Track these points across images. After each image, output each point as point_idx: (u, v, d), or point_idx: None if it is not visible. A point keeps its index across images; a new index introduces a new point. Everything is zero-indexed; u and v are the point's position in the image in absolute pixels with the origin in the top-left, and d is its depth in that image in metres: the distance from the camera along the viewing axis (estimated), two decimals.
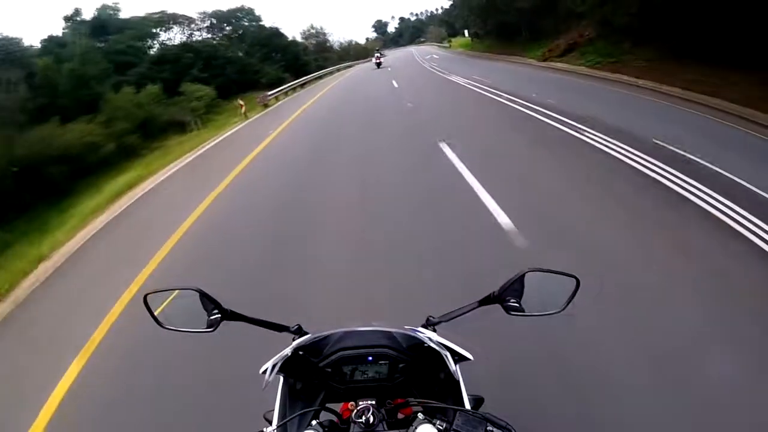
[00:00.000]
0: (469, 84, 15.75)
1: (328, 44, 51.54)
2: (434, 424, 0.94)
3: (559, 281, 1.10)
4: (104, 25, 30.51)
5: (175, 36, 38.54)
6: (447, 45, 50.92)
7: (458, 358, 1.09)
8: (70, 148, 15.28)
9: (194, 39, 33.74)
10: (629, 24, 16.41)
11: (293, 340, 1.13)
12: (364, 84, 21.85)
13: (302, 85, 25.53)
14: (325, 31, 51.12)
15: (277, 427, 1.05)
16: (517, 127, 8.31)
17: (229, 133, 15.15)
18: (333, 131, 10.90)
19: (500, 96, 11.79)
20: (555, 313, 1.11)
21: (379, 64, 32.37)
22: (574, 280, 1.08)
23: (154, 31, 38.19)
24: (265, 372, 1.05)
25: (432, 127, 8.93)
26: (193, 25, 41.16)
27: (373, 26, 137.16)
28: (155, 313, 1.15)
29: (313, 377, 1.14)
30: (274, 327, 1.18)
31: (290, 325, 1.20)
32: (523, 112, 9.44)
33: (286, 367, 1.10)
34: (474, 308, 1.15)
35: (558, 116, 8.44)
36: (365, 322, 1.15)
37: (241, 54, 32.35)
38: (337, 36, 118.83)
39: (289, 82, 26.70)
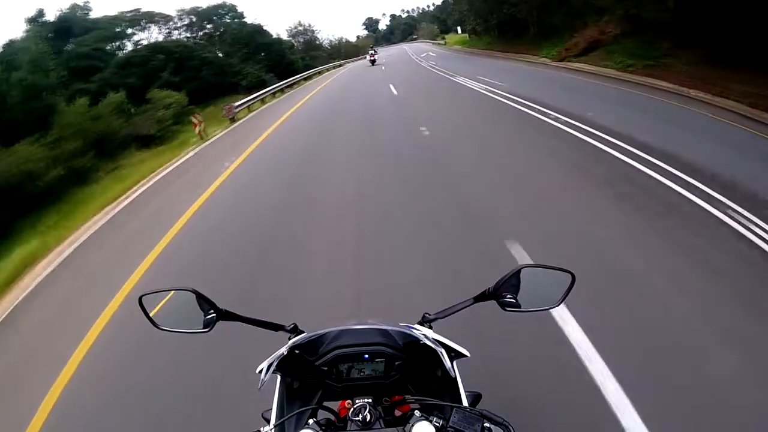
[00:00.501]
0: (483, 89, 13.20)
1: (317, 42, 48.78)
2: (431, 421, 0.92)
3: (554, 276, 1.10)
4: (69, 26, 27.60)
5: (152, 36, 35.78)
6: (442, 42, 48.35)
7: (455, 354, 1.09)
8: (9, 178, 12.66)
9: (173, 39, 30.85)
10: (665, 21, 14.04)
11: (289, 339, 1.13)
12: (355, 89, 19.00)
13: (282, 90, 22.54)
14: (314, 29, 48.44)
15: (275, 426, 1.04)
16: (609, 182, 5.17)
17: (178, 162, 11.23)
18: (312, 177, 6.95)
19: (533, 109, 9.35)
20: (551, 308, 1.12)
21: (373, 62, 32.19)
22: (570, 275, 1.08)
23: (129, 31, 35.46)
24: (261, 372, 1.05)
25: (481, 188, 5.37)
26: (171, 24, 38.42)
27: (364, 24, 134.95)
28: (151, 314, 1.14)
29: (309, 376, 1.14)
30: (270, 326, 1.17)
31: (286, 324, 1.20)
32: (582, 139, 6.91)
33: (283, 366, 1.10)
34: (469, 305, 1.15)
35: (632, 148, 5.99)
36: (360, 320, 1.15)
37: (220, 54, 29.53)
38: (327, 33, 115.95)
39: (273, 83, 24.05)
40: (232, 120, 15.04)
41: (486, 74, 15.82)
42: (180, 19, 38.90)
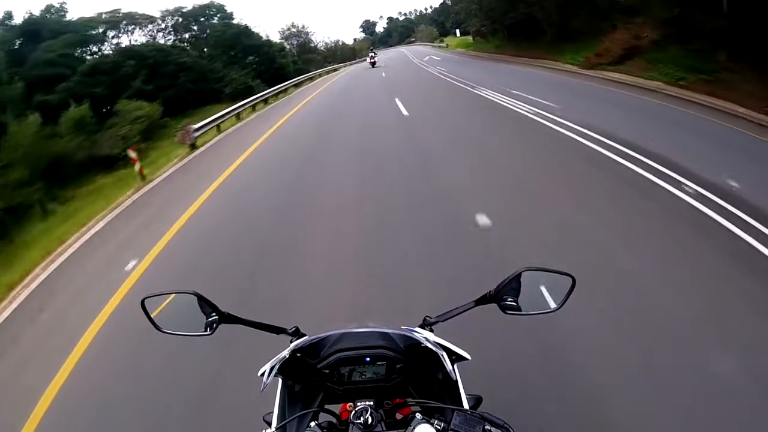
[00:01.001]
0: (533, 113, 9.36)
1: (311, 44, 46.41)
2: (432, 424, 0.93)
3: (555, 279, 1.10)
4: (38, 30, 25.08)
5: (136, 39, 33.26)
6: (444, 45, 46.04)
7: (456, 357, 1.08)
8: None
9: (147, 42, 28.37)
10: (718, 27, 11.73)
11: (291, 342, 1.12)
12: (351, 103, 15.92)
13: (266, 100, 19.83)
14: (308, 30, 46.01)
15: (276, 428, 1.04)
16: None
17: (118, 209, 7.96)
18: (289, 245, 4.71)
19: (652, 171, 5.42)
20: (551, 311, 1.12)
21: (373, 64, 31.82)
22: (570, 278, 1.08)
23: (110, 34, 33.00)
24: (263, 374, 1.04)
25: None
26: (152, 26, 35.93)
27: (361, 26, 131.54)
28: (152, 317, 1.14)
29: (311, 379, 1.13)
30: (272, 329, 1.16)
31: (288, 327, 1.19)
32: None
33: (285, 369, 1.08)
34: (470, 308, 1.15)
35: None
36: (362, 323, 1.15)
37: (202, 58, 27.07)
38: (322, 35, 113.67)
39: (261, 90, 21.61)
40: (193, 146, 11.95)
41: (517, 86, 13.06)
42: (164, 20, 36.61)
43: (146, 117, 17.29)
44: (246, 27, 31.81)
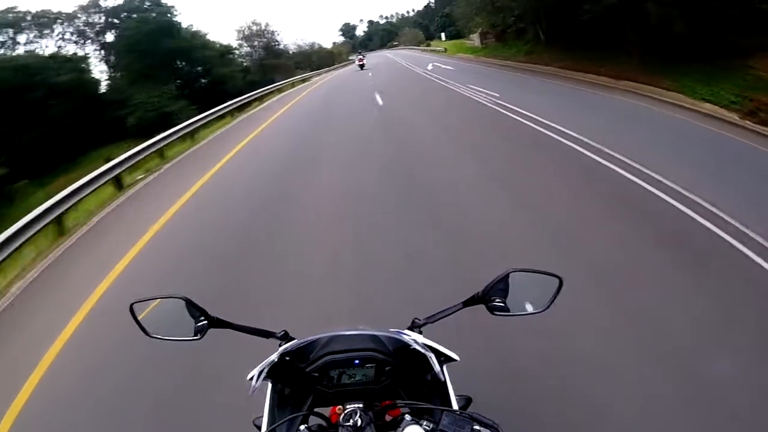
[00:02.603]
0: None
1: (276, 46, 37.69)
2: (421, 425, 0.94)
3: (543, 281, 1.12)
4: None
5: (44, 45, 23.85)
6: (441, 50, 38.04)
7: (444, 359, 1.10)
8: None
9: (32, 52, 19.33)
10: None
11: (279, 345, 1.12)
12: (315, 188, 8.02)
13: (192, 135, 11.67)
14: (272, 29, 37.17)
15: None
16: None
17: None
18: None
19: None
20: (539, 312, 1.13)
21: (362, 66, 30.46)
22: (557, 279, 1.10)
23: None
24: (252, 379, 1.04)
25: None
26: (62, 27, 26.42)
27: (341, 30, 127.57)
28: (141, 322, 1.12)
29: (300, 382, 1.14)
30: (261, 333, 1.17)
31: (276, 331, 1.20)
32: None
33: (274, 373, 1.09)
34: (459, 309, 1.17)
35: None
36: (351, 326, 1.14)
37: (107, 71, 18.10)
38: (296, 37, 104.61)
39: (187, 117, 13.02)
40: None
41: (692, 169, 5.71)
42: (78, 20, 27.12)
43: None
44: (171, 21, 22.50)
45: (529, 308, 1.14)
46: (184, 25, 27.00)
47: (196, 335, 1.13)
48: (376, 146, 8.07)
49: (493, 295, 1.13)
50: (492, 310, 1.14)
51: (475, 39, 35.45)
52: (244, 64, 34.16)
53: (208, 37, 28.26)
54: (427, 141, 8.07)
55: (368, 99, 13.54)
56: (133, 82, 19.02)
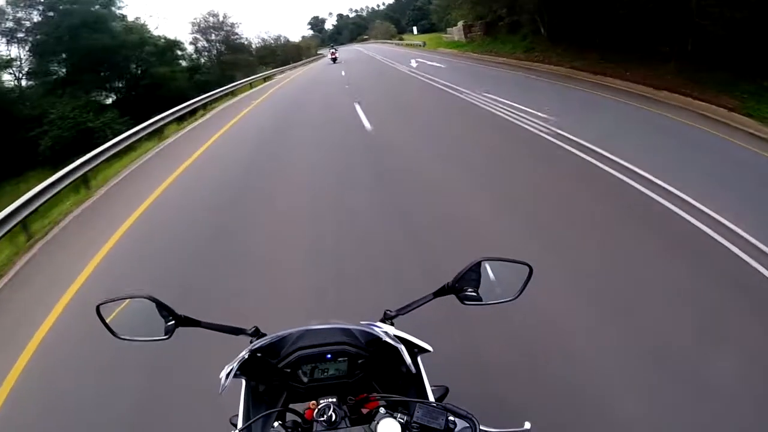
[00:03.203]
0: None
1: (238, 40, 33.57)
2: (396, 418, 0.92)
3: (512, 269, 1.12)
4: None
5: None
6: (419, 44, 34.99)
7: (418, 350, 1.11)
8: None
9: None
10: None
11: (251, 342, 1.11)
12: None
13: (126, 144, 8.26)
14: (232, 21, 32.94)
15: (240, 430, 1.02)
16: None
17: None
18: None
19: None
20: (510, 300, 1.13)
21: (334, 59, 29.80)
22: (527, 267, 1.10)
23: None
24: (223, 377, 1.01)
25: None
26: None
27: (309, 23, 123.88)
28: (108, 324, 1.11)
29: (274, 379, 1.13)
30: (231, 331, 1.15)
31: (247, 328, 1.17)
32: None
33: (247, 370, 1.08)
34: (429, 300, 1.17)
35: None
36: (323, 320, 1.12)
37: (25, 78, 14.05)
38: (258, 30, 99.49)
39: (116, 132, 9.30)
40: None
41: None
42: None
43: None
44: (98, 12, 18.14)
45: (500, 296, 1.13)
46: (131, 18, 22.87)
47: (165, 335, 1.09)
48: (375, 246, 4.04)
49: (464, 285, 1.12)
50: (463, 299, 1.13)
51: (454, 32, 32.65)
52: (202, 60, 30.07)
53: (158, 31, 24.21)
54: (486, 237, 4.06)
55: (347, 116, 9.33)
56: (51, 91, 14.98)
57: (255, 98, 16.00)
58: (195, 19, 32.76)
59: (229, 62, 30.01)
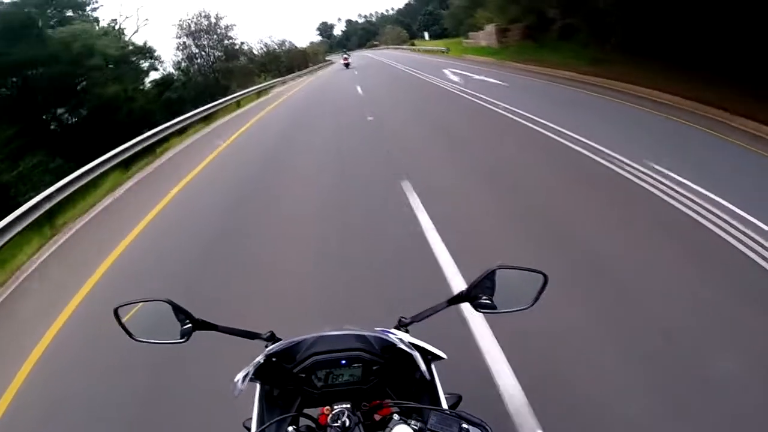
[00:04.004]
0: None
1: (232, 46, 29.24)
2: (409, 425, 0.93)
3: (527, 277, 1.12)
4: None
5: None
6: (443, 50, 30.70)
7: (431, 357, 1.11)
8: None
9: None
10: None
11: (266, 347, 1.10)
12: None
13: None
14: (226, 23, 28.51)
15: None
16: None
17: None
18: None
19: None
20: (524, 309, 1.13)
21: (347, 65, 29.86)
22: (542, 276, 1.10)
23: None
24: (238, 381, 1.02)
25: None
26: None
27: (318, 29, 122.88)
28: (126, 326, 1.11)
29: (288, 383, 1.12)
30: (246, 335, 1.16)
31: (262, 332, 1.18)
32: None
33: (261, 375, 1.08)
34: (444, 308, 1.16)
35: None
36: (337, 326, 1.11)
37: None
38: (260, 34, 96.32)
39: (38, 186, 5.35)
40: None
41: None
42: None
43: None
44: (28, 14, 13.43)
45: (515, 305, 1.13)
46: (106, 22, 18.91)
47: (182, 338, 1.11)
48: None
49: (479, 293, 1.13)
50: (477, 307, 1.14)
51: (480, 37, 28.39)
52: (191, 69, 25.87)
53: (139, 36, 20.21)
54: None
55: (388, 190, 5.10)
56: None
57: (236, 127, 11.70)
58: (181, 20, 28.49)
59: (223, 70, 25.92)
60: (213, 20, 26.79)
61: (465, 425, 0.90)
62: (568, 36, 17.19)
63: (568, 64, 15.22)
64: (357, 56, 46.34)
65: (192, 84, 21.40)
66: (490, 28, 26.03)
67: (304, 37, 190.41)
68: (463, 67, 18.73)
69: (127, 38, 21.59)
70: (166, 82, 20.11)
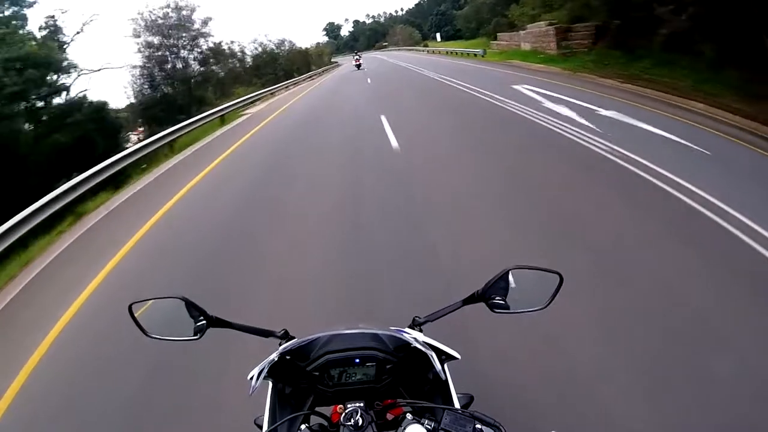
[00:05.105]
0: None
1: (225, 50, 23.32)
2: (422, 424, 0.92)
3: (543, 277, 1.11)
4: None
5: None
6: (479, 52, 24.69)
7: (445, 357, 1.09)
8: None
9: None
10: None
11: (279, 345, 1.11)
12: None
13: None
14: (196, 18, 22.43)
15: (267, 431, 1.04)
16: None
17: None
18: None
19: None
20: (539, 309, 1.12)
21: (359, 66, 30.06)
22: (558, 276, 1.09)
23: None
24: (252, 378, 1.02)
25: None
26: None
27: (325, 29, 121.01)
28: (140, 322, 1.11)
29: (301, 381, 1.12)
30: (260, 333, 1.16)
31: (276, 330, 1.18)
32: None
33: (274, 372, 1.07)
34: (458, 307, 1.16)
35: None
36: (351, 324, 1.12)
37: None
38: (254, 33, 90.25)
39: None
40: None
41: None
42: None
43: None
44: None
45: (530, 305, 1.11)
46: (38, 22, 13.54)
47: (195, 335, 1.10)
48: None
49: (493, 293, 1.11)
50: (492, 307, 1.13)
51: (521, 38, 22.45)
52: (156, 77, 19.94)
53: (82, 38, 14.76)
54: None
55: None
56: None
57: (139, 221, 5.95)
58: (139, 13, 22.22)
59: (197, 78, 20.06)
60: (185, 13, 20.76)
61: (479, 425, 0.88)
62: (685, 49, 11.17)
63: (714, 96, 9.15)
64: (367, 58, 40.37)
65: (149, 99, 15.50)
66: (541, 27, 20.03)
67: (311, 38, 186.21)
68: (542, 84, 12.46)
69: (66, 39, 15.95)
70: (58, 116, 13.16)
